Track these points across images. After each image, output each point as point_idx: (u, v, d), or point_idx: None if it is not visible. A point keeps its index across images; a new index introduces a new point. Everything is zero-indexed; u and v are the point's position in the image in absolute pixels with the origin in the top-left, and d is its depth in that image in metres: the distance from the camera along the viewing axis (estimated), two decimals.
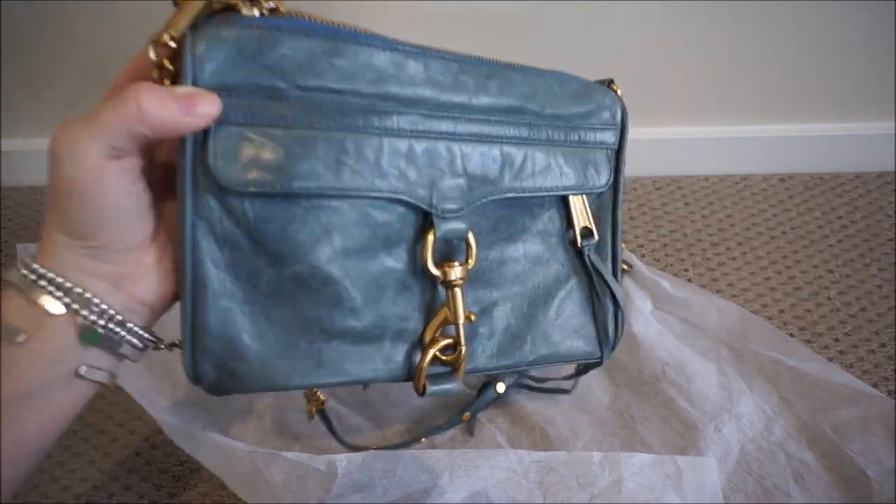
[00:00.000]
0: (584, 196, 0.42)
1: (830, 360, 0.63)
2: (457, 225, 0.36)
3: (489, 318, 0.40)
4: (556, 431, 0.56)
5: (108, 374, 0.32)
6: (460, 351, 0.37)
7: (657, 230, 0.78)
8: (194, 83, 0.29)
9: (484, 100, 0.36)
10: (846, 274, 0.71)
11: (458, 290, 0.36)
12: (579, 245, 0.43)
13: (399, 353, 0.36)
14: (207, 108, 0.28)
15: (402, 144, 0.33)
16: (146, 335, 0.32)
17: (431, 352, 0.36)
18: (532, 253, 0.41)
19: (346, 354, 0.34)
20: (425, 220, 0.35)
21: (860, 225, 0.77)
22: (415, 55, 0.34)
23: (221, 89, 0.29)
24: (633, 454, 0.52)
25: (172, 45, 0.29)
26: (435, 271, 0.36)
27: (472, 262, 0.37)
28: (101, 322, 0.30)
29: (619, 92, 0.43)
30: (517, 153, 0.38)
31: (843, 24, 0.73)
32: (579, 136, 0.41)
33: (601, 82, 0.44)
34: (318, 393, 0.52)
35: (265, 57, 0.30)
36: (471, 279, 0.38)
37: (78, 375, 0.30)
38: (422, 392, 0.36)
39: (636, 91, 0.77)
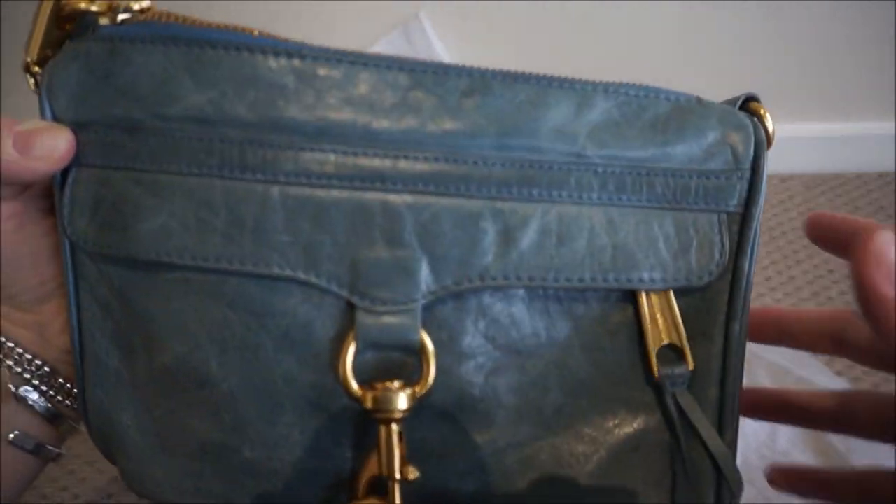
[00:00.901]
0: (670, 291, 0.25)
1: (831, 359, 0.63)
2: (395, 321, 0.23)
3: (485, 474, 0.25)
4: None
5: (35, 444, 0.27)
6: None
7: None
8: (54, 118, 0.24)
9: (455, 127, 0.23)
10: (847, 274, 0.71)
11: (394, 428, 0.22)
12: (657, 375, 0.25)
13: (313, 495, 0.25)
14: (47, 147, 0.23)
15: (304, 196, 0.22)
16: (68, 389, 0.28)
17: None
18: (567, 379, 0.26)
19: (235, 488, 0.25)
20: (352, 312, 0.23)
21: None
22: (329, 61, 0.23)
23: (78, 123, 0.23)
24: None
25: (38, 70, 0.24)
26: (355, 388, 0.23)
27: (425, 384, 0.23)
28: (27, 376, 0.26)
29: (765, 117, 0.26)
30: (521, 215, 0.23)
31: (843, 24, 0.73)
32: (662, 190, 0.24)
33: (731, 102, 0.26)
34: None
35: (117, 77, 0.23)
36: (451, 410, 0.24)
37: (8, 442, 0.26)
38: None
39: None
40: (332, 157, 0.23)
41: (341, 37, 0.75)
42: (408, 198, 0.23)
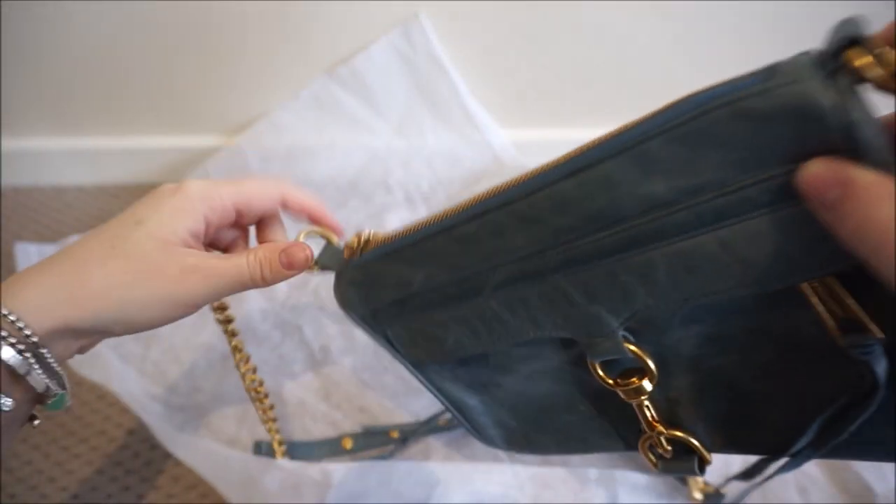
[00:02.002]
0: (828, 278, 0.26)
1: None
2: (609, 343, 0.30)
3: (700, 389, 0.33)
4: None
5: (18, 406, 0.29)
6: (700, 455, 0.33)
7: None
8: (361, 318, 0.35)
9: (573, 221, 0.28)
10: None
11: (643, 405, 0.32)
12: (844, 347, 0.26)
13: (634, 433, 0.35)
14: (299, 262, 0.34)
15: (520, 295, 0.32)
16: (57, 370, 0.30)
17: (639, 447, 0.35)
18: (773, 357, 0.30)
19: (588, 432, 0.37)
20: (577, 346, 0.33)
21: None
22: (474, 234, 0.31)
23: (371, 310, 0.35)
24: (628, 472, 0.52)
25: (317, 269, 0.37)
26: (610, 382, 0.32)
27: (651, 379, 0.31)
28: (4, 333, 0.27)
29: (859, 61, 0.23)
30: (646, 262, 0.27)
31: None
32: (758, 195, 0.24)
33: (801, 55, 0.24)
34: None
35: (373, 283, 0.34)
36: (702, 387, 0.32)
37: None
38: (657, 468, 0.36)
39: (634, 91, 0.77)
40: (512, 270, 0.30)
41: (341, 37, 0.75)
42: (567, 278, 0.29)
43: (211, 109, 0.80)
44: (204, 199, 0.33)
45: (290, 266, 0.34)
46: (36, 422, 0.31)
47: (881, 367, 0.26)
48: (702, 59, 0.76)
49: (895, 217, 0.19)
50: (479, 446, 0.55)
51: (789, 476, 0.53)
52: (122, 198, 0.84)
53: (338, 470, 0.49)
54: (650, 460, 0.35)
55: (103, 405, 0.59)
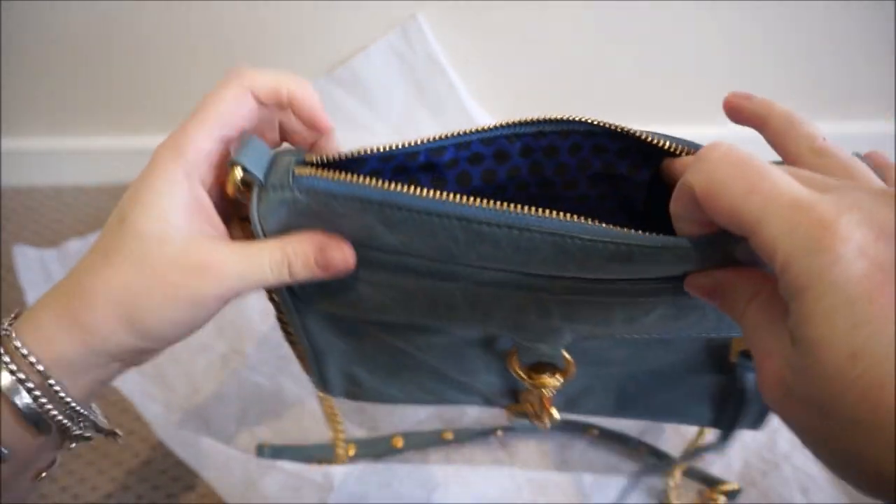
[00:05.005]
0: None
1: None
2: (547, 350, 0.33)
3: (599, 381, 0.39)
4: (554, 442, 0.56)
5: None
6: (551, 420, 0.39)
7: None
8: (264, 234, 0.28)
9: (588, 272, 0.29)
10: None
11: (545, 394, 0.36)
12: (732, 360, 0.37)
13: (493, 395, 0.40)
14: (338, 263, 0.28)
15: (479, 292, 0.30)
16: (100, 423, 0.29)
17: (519, 409, 0.40)
18: (667, 356, 0.37)
19: (445, 387, 0.40)
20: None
21: None
22: (489, 223, 0.27)
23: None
24: (624, 476, 0.53)
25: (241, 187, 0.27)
26: (525, 377, 0.36)
27: (566, 377, 0.35)
28: (21, 376, 0.25)
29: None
30: (649, 305, 0.29)
31: (843, 24, 0.73)
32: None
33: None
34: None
35: (325, 222, 0.28)
36: (582, 359, 0.36)
37: None
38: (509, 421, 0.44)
39: (635, 91, 0.77)
40: (501, 276, 0.28)
41: (340, 37, 0.75)
42: (558, 299, 0.29)
43: None
44: (181, 160, 0.26)
45: (327, 269, 0.28)
46: (56, 464, 0.29)
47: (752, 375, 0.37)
48: (702, 59, 0.76)
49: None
50: (477, 450, 0.56)
51: (791, 476, 0.53)
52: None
53: (338, 472, 0.49)
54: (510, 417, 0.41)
55: (103, 405, 0.58)
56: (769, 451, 0.55)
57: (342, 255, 0.28)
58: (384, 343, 0.36)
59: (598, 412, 0.42)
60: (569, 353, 0.34)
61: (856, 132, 0.81)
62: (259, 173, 0.27)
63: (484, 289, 0.29)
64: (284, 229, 0.28)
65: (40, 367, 0.25)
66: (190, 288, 0.26)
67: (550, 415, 0.39)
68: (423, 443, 0.56)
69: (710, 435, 0.50)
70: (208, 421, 0.57)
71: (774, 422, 0.56)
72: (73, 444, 0.28)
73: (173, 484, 0.54)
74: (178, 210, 0.26)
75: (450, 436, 0.55)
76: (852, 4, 0.71)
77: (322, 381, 0.40)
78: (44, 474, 0.29)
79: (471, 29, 0.74)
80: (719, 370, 0.38)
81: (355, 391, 0.41)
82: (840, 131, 0.81)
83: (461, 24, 0.74)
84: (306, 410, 0.58)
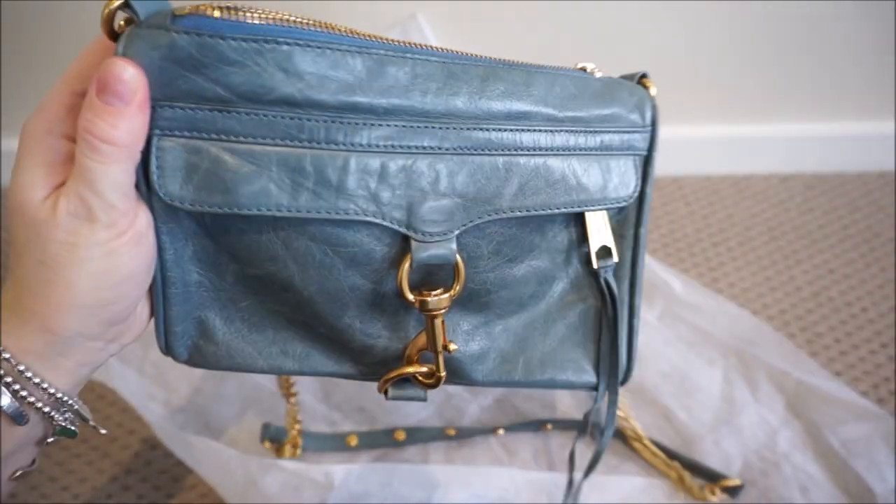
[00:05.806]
0: (606, 211, 0.37)
1: (831, 359, 0.63)
2: (440, 251, 0.32)
3: (482, 338, 0.37)
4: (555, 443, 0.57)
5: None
6: (438, 377, 0.34)
7: (657, 230, 0.78)
8: None
9: (479, 105, 0.31)
10: (847, 274, 0.71)
11: (437, 320, 0.33)
12: (595, 267, 0.37)
13: (369, 361, 0.35)
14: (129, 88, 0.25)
15: (374, 162, 0.29)
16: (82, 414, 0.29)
17: (406, 370, 0.34)
18: (539, 274, 0.37)
19: (313, 349, 0.34)
20: (406, 243, 0.32)
21: (861, 225, 0.77)
22: (392, 59, 0.29)
23: (158, 100, 0.26)
24: (623, 477, 0.53)
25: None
26: (411, 297, 0.32)
27: (456, 289, 0.33)
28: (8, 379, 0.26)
29: (651, 89, 0.38)
30: (523, 164, 0.33)
31: (843, 24, 0.73)
32: (601, 141, 0.35)
33: (629, 77, 0.39)
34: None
35: (209, 69, 0.26)
36: (464, 299, 0.35)
37: None
38: (386, 396, 0.35)
39: None
40: (393, 132, 0.30)
41: None
42: (451, 161, 0.31)
43: None
44: (43, 117, 0.27)
45: (103, 92, 0.24)
46: (33, 465, 0.29)
47: (615, 285, 0.38)
48: (703, 60, 0.76)
49: None
50: (477, 450, 0.56)
51: (791, 476, 0.53)
52: None
53: (339, 471, 0.49)
54: (383, 390, 0.35)
55: (103, 405, 0.59)
56: (769, 450, 0.55)
57: (119, 69, 0.24)
58: (251, 277, 0.32)
59: (484, 380, 0.37)
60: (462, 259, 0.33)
61: (856, 132, 0.81)
62: (140, 11, 0.25)
63: (379, 159, 0.30)
64: (156, 94, 0.26)
65: (15, 363, 0.25)
66: (75, 256, 0.25)
67: (447, 347, 0.33)
68: (425, 437, 0.56)
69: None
70: (208, 421, 0.57)
71: (775, 422, 0.56)
72: (52, 438, 0.29)
73: (173, 484, 0.54)
74: (42, 168, 0.26)
75: (452, 432, 0.56)
76: (852, 4, 0.71)
77: (165, 332, 0.32)
78: (18, 472, 0.29)
79: (470, 29, 0.74)
80: (584, 283, 0.39)
81: (204, 349, 0.33)
82: (841, 131, 0.81)
83: (461, 24, 0.74)
84: (306, 411, 0.58)
